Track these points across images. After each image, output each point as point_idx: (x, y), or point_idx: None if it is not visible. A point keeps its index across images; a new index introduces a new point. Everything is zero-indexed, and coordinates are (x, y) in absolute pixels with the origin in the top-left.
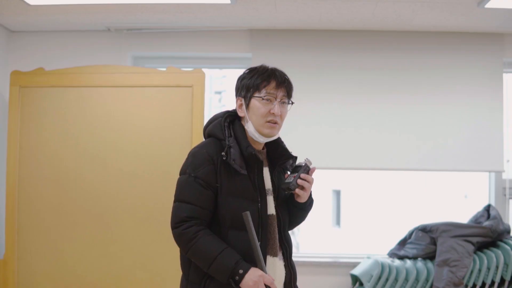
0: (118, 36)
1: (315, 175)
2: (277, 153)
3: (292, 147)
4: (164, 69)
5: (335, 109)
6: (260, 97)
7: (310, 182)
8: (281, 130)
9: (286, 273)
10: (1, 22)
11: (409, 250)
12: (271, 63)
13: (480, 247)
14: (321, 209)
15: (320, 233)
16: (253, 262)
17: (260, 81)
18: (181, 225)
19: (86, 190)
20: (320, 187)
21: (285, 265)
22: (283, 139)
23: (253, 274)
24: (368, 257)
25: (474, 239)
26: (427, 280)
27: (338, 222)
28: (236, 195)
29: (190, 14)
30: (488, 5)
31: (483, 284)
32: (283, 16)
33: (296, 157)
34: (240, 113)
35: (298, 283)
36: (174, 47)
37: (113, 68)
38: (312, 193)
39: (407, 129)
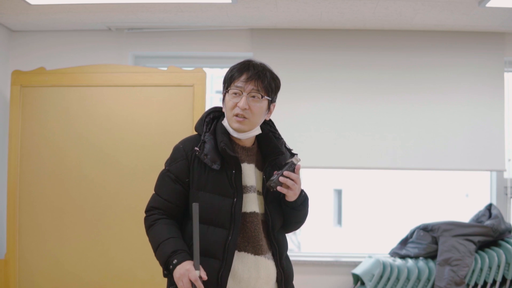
0: (119, 36)
1: (310, 174)
2: (269, 149)
3: (292, 146)
4: (165, 68)
5: (336, 108)
6: (228, 90)
7: (294, 179)
8: (282, 129)
9: (277, 273)
10: (2, 21)
11: (411, 249)
12: (272, 62)
13: (482, 246)
14: (323, 209)
15: (322, 233)
16: (218, 258)
17: (232, 74)
18: (146, 213)
19: (87, 189)
20: (322, 187)
21: (276, 265)
22: (284, 138)
23: (182, 267)
24: (370, 257)
25: (476, 238)
26: (428, 279)
27: (339, 221)
28: (208, 190)
29: (191, 13)
30: (489, 4)
31: (485, 283)
32: (284, 16)
33: (295, 154)
34: (223, 108)
35: (299, 283)
36: (175, 46)
37: (114, 67)
38: (305, 192)
39: (408, 129)
